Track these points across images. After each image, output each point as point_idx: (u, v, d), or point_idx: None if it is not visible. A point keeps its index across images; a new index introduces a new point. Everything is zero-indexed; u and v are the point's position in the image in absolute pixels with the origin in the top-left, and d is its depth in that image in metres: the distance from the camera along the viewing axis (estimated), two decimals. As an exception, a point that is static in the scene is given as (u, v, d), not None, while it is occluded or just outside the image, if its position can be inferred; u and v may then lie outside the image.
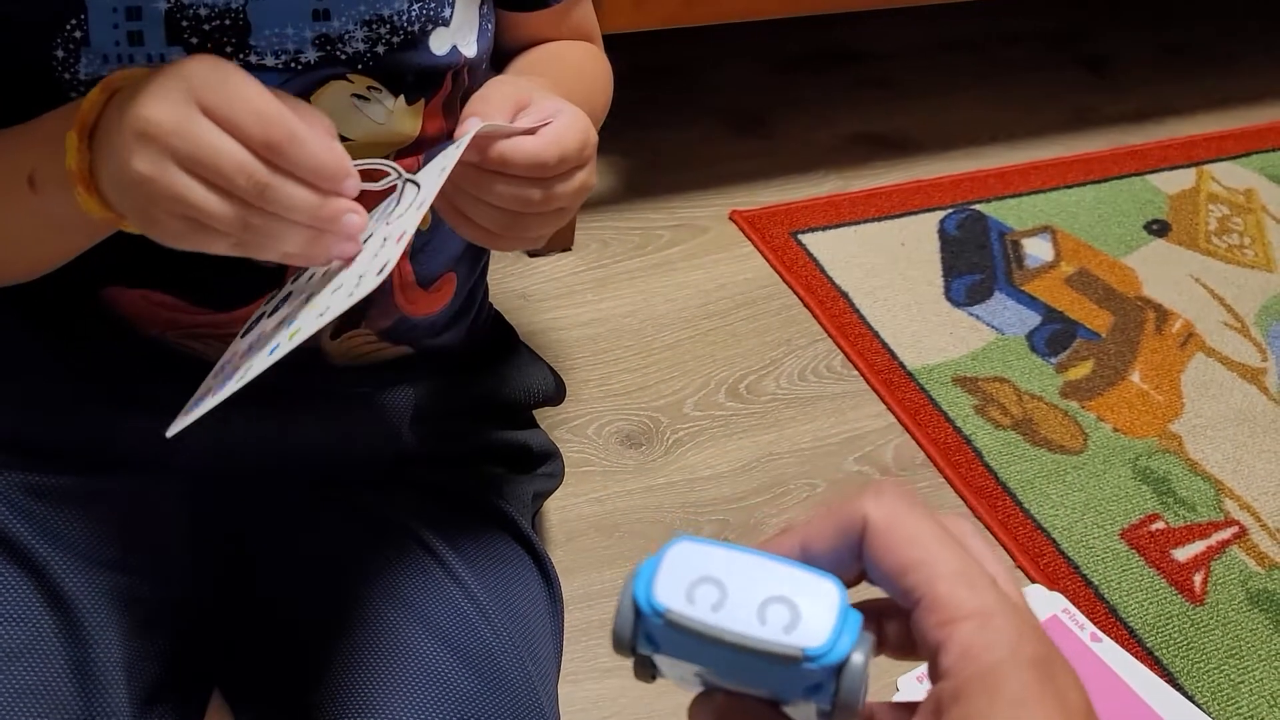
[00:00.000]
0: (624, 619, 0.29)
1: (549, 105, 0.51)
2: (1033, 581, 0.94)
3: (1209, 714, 0.86)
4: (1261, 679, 0.89)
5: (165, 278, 0.57)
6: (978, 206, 1.34)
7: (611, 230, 1.23)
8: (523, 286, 1.15)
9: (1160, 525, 1.01)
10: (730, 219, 1.27)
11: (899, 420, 1.07)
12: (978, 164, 1.40)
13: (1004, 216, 1.34)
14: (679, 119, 1.41)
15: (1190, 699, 0.87)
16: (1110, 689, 0.87)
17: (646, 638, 0.29)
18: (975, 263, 1.27)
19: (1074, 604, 0.92)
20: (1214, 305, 1.26)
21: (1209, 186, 1.44)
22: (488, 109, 0.49)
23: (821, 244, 1.25)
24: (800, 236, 1.26)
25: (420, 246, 0.63)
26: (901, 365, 1.12)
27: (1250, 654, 0.91)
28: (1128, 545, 0.98)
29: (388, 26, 0.54)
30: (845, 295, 1.19)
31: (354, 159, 0.46)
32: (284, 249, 0.45)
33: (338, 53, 0.54)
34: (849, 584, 0.30)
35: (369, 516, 0.64)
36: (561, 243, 1.20)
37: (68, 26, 0.50)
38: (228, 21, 0.51)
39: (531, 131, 0.49)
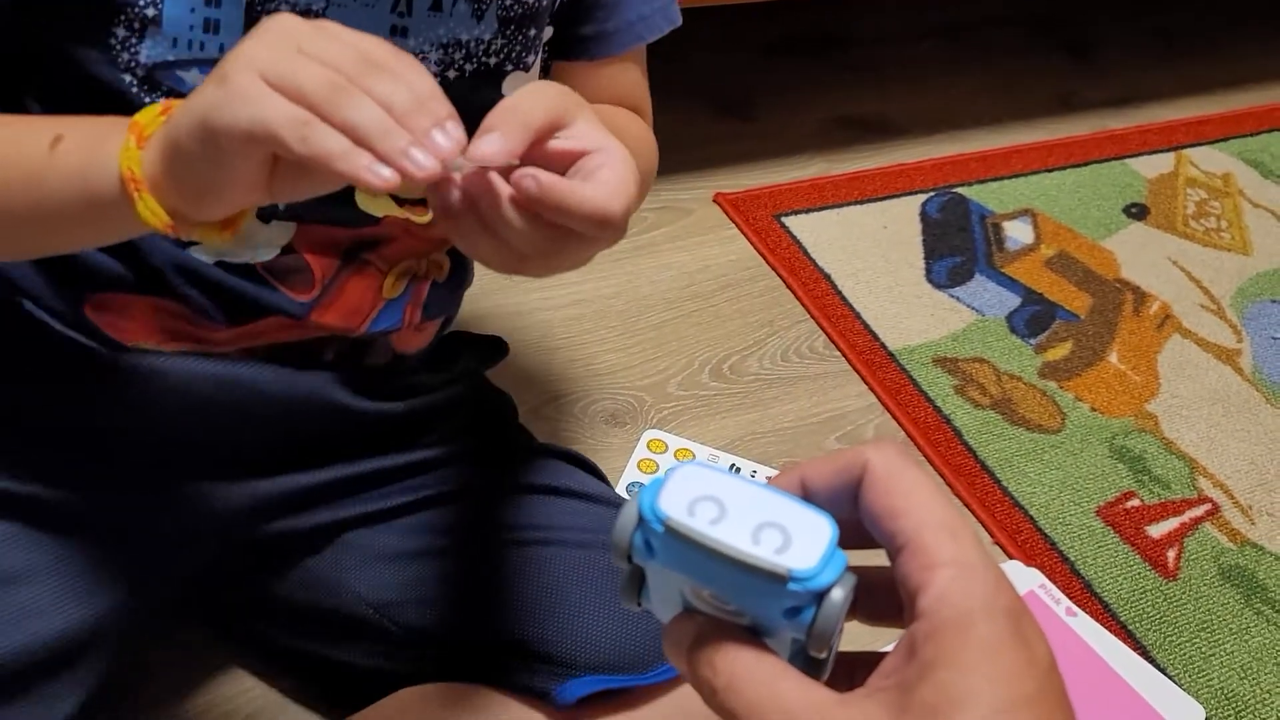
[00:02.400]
0: (626, 521, 0.31)
1: (592, 135, 0.43)
2: (1010, 558, 0.96)
3: (1181, 686, 0.88)
4: (1232, 652, 0.91)
5: (173, 285, 0.55)
6: (959, 190, 1.36)
7: (596, 212, 1.24)
8: (508, 268, 1.16)
9: (1135, 502, 1.03)
10: (714, 201, 1.28)
11: (880, 400, 1.08)
12: (960, 148, 1.42)
13: (985, 200, 1.35)
14: (663, 102, 1.41)
15: (1162, 671, 0.89)
16: (1084, 662, 0.89)
17: (645, 545, 0.30)
18: (956, 245, 1.28)
19: (1050, 579, 0.94)
20: (1191, 288, 1.28)
21: (1187, 171, 1.45)
22: (511, 122, 0.41)
23: (805, 226, 1.26)
24: (784, 219, 1.27)
25: (433, 296, 0.64)
26: (883, 346, 1.14)
27: (1221, 628, 0.93)
28: (1103, 522, 1.00)
29: (463, 52, 0.52)
30: (828, 277, 1.20)
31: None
32: (363, 127, 0.38)
33: None
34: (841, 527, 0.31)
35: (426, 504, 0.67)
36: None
37: (140, 2, 0.47)
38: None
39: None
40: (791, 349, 1.12)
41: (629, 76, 0.66)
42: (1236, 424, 1.11)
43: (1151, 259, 1.30)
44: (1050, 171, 1.41)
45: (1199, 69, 1.63)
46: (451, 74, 0.54)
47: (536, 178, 0.40)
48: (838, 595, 0.29)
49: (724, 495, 0.30)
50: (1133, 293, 1.26)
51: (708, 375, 1.08)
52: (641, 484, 0.32)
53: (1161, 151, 1.47)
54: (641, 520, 0.30)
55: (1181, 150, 1.48)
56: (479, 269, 1.12)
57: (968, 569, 0.29)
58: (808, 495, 0.32)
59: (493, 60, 0.54)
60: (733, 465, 0.99)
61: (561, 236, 0.42)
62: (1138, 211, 1.37)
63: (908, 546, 0.30)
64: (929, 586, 0.29)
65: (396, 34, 0.51)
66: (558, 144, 0.43)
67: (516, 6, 0.55)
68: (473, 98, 0.47)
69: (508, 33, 0.55)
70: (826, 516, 0.30)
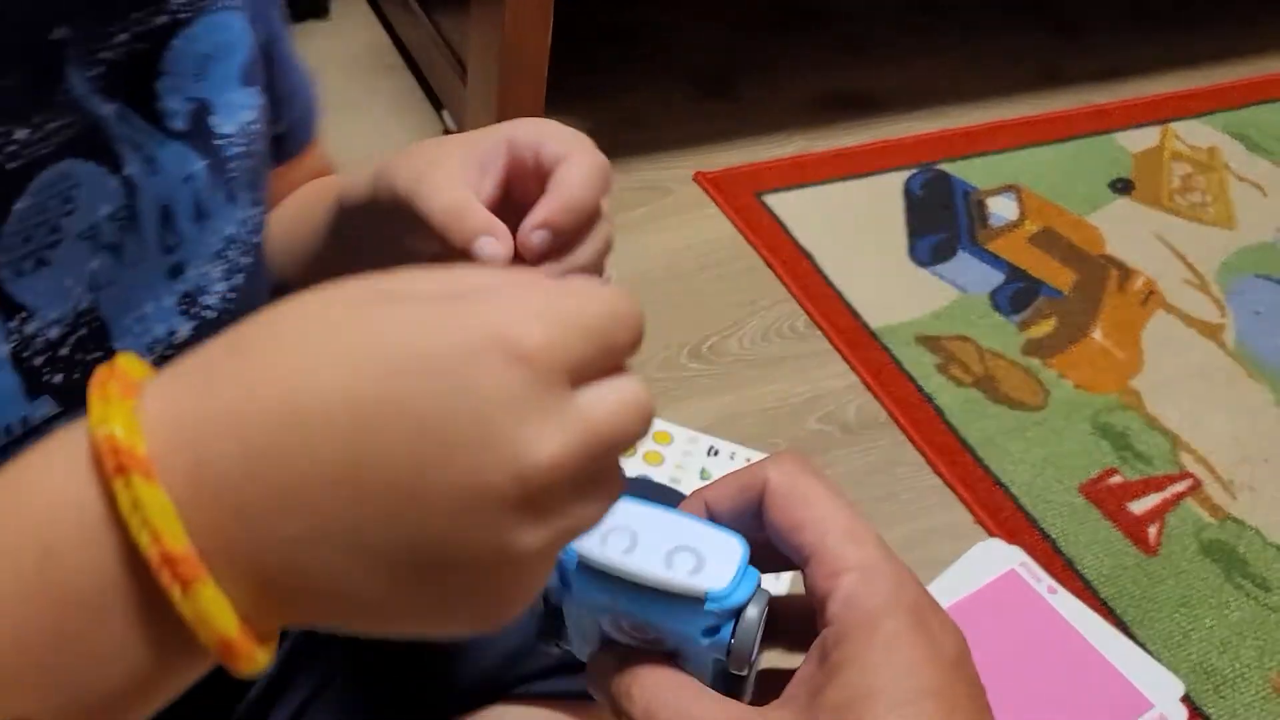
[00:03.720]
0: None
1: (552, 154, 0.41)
2: (991, 535, 0.95)
3: (1160, 661, 0.88)
4: (1211, 626, 0.91)
5: None
6: (943, 166, 1.35)
7: (575, 193, 1.23)
8: (485, 250, 1.15)
9: (1118, 479, 1.02)
10: (695, 181, 1.27)
11: (861, 379, 1.08)
12: (943, 124, 1.40)
13: (969, 176, 1.34)
14: (644, 81, 1.40)
15: (1142, 647, 0.89)
16: (1064, 639, 0.89)
17: (560, 582, 0.31)
18: (940, 222, 1.27)
19: (1032, 557, 0.94)
20: (1175, 263, 1.27)
21: (1173, 145, 1.44)
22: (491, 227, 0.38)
23: (786, 205, 1.25)
24: (765, 197, 1.26)
25: None
26: (865, 325, 1.13)
27: (1201, 603, 0.93)
28: (1086, 499, 1.00)
29: (239, 246, 0.44)
30: (809, 256, 1.19)
31: None
32: None
33: (203, 312, 0.42)
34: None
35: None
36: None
37: None
38: (84, 329, 0.38)
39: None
40: (772, 329, 1.12)
41: (318, 152, 0.58)
42: (1219, 399, 1.11)
43: (1137, 234, 1.30)
44: (1035, 147, 1.40)
45: (1183, 43, 1.62)
46: (240, 278, 0.44)
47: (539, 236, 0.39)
48: (753, 611, 0.30)
49: (634, 524, 0.30)
50: (1117, 268, 1.25)
51: (687, 356, 1.07)
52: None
53: (1147, 126, 1.46)
54: (559, 562, 0.31)
55: (1167, 124, 1.47)
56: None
57: (870, 571, 0.30)
58: (713, 518, 0.32)
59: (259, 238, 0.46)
60: (711, 448, 0.98)
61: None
62: (1123, 186, 1.36)
63: (813, 556, 0.31)
64: (835, 592, 0.30)
65: (176, 275, 0.41)
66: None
67: (248, 159, 0.45)
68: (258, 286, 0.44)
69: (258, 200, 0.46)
70: (737, 536, 0.31)
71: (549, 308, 0.24)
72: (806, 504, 0.31)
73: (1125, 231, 1.29)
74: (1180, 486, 1.02)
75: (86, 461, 0.23)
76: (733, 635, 0.30)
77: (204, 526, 0.22)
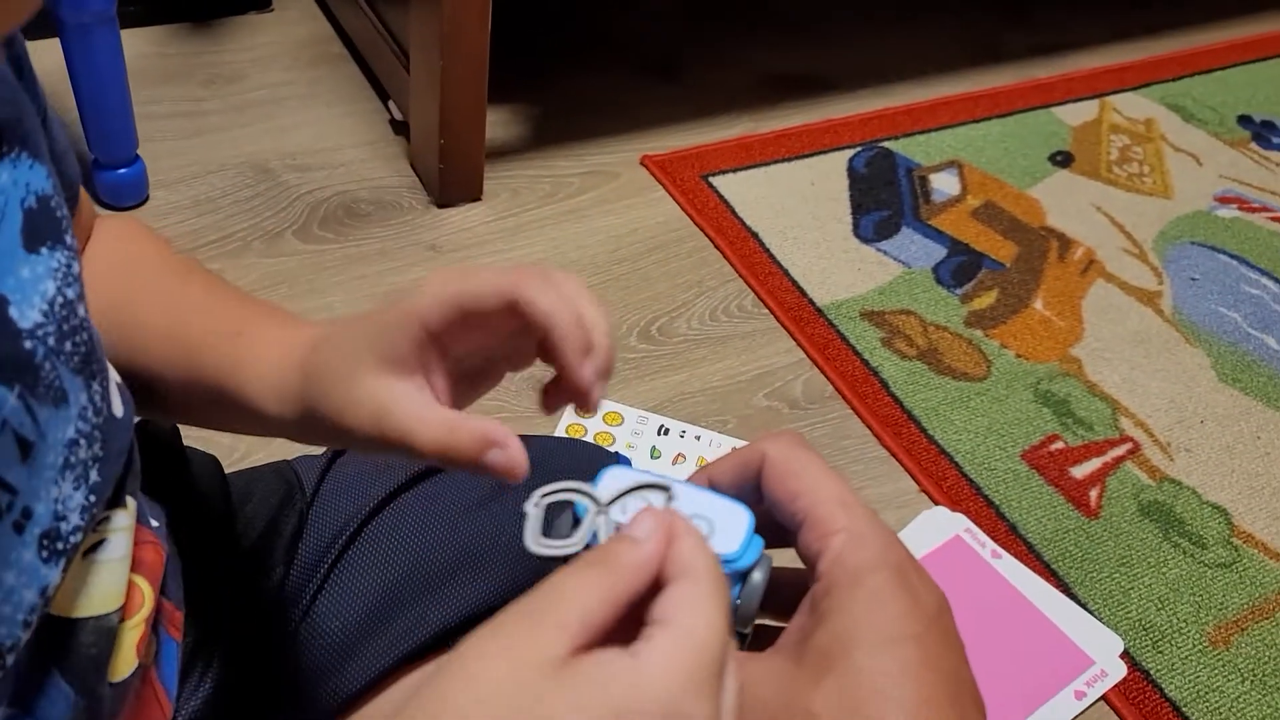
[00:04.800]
0: (562, 522, 0.33)
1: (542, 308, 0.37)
2: (936, 504, 0.97)
3: (1101, 619, 0.90)
4: (1150, 585, 0.94)
5: None
6: (886, 144, 1.36)
7: (522, 179, 1.23)
8: (432, 238, 1.15)
9: (1059, 445, 1.05)
10: (641, 164, 1.27)
11: (808, 355, 1.09)
12: (887, 101, 1.42)
13: (912, 153, 1.36)
14: (589, 65, 1.41)
15: (1083, 606, 0.91)
16: (1008, 602, 0.91)
17: (584, 546, 0.33)
18: (883, 199, 1.29)
19: (976, 524, 0.96)
20: (1114, 232, 1.29)
21: (1111, 117, 1.47)
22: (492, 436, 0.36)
23: (732, 186, 1.26)
24: (711, 179, 1.27)
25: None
26: (811, 302, 1.14)
27: (1140, 562, 0.95)
28: (1028, 466, 1.02)
29: (87, 440, 0.35)
30: (755, 235, 1.21)
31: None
32: None
33: (70, 538, 0.35)
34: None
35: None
36: (470, 193, 1.19)
37: None
38: None
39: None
40: (720, 308, 1.13)
41: (86, 206, 0.49)
42: (1157, 363, 1.14)
43: (1076, 205, 1.32)
44: (976, 122, 1.42)
45: (1120, 16, 1.65)
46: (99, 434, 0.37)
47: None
48: (758, 575, 0.33)
49: (573, 525, 0.32)
50: (1058, 239, 1.27)
51: (636, 338, 1.08)
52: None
53: (1086, 99, 1.49)
54: (576, 520, 0.33)
55: (1105, 97, 1.50)
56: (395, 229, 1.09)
57: (858, 534, 0.33)
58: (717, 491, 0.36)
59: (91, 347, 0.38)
60: (661, 426, 0.99)
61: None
62: (1063, 159, 1.39)
63: (806, 521, 0.34)
64: (826, 552, 0.33)
65: (22, 530, 0.33)
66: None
67: (70, 336, 0.36)
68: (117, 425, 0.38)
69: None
70: (743, 506, 0.34)
71: (698, 670, 0.27)
72: (801, 476, 0.34)
73: (1065, 203, 1.32)
74: (1120, 450, 1.05)
75: None
76: (739, 595, 0.33)
77: None
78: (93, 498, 0.35)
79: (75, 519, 0.34)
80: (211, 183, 1.17)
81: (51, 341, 0.33)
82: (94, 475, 0.35)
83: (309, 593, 0.56)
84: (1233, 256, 1.28)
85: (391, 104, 1.27)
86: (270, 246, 1.12)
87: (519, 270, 0.36)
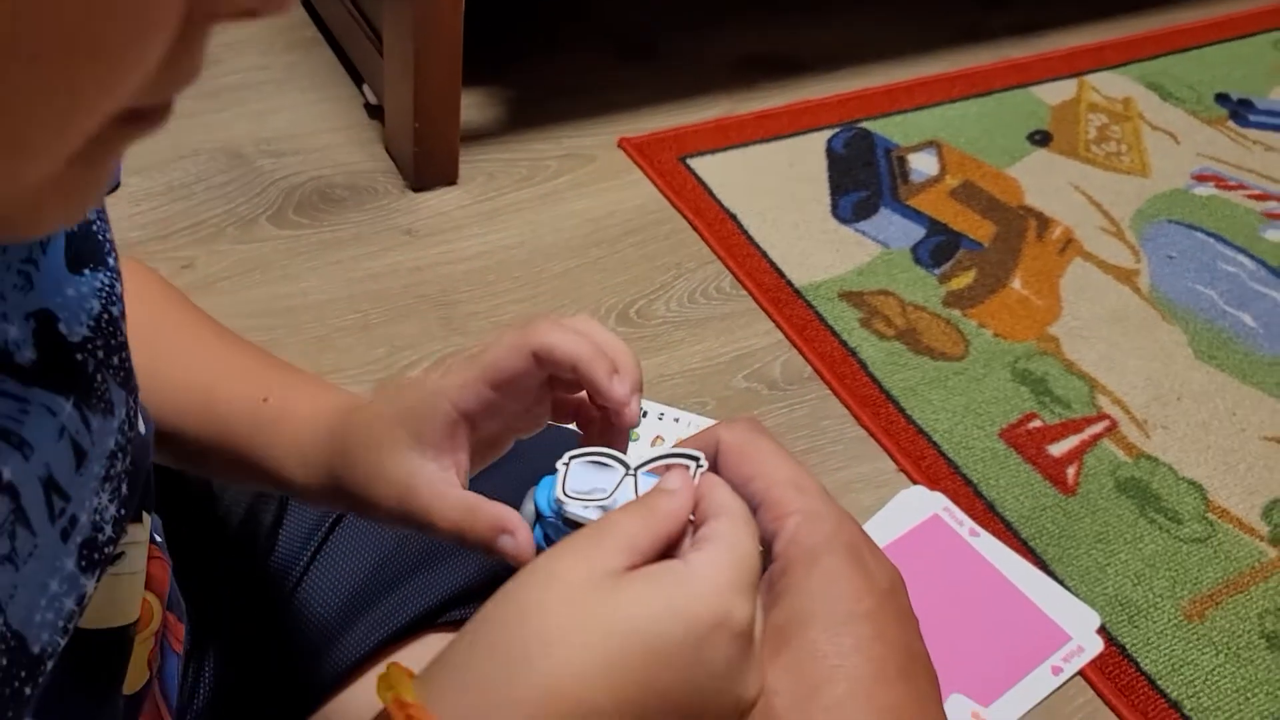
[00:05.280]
0: (525, 518, 0.36)
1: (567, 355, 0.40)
2: (914, 483, 0.97)
3: (1078, 595, 0.91)
4: (1127, 560, 0.94)
5: None
6: (864, 124, 1.36)
7: (498, 162, 1.22)
8: (408, 222, 1.14)
9: (1037, 423, 1.05)
10: (618, 146, 1.27)
11: (787, 337, 1.09)
12: (865, 82, 1.42)
13: (890, 133, 1.35)
14: (564, 46, 1.40)
15: (1061, 583, 0.91)
16: (986, 579, 0.92)
17: (545, 540, 0.36)
18: (862, 180, 1.29)
19: (954, 503, 0.96)
20: (1092, 211, 1.30)
21: (1089, 96, 1.47)
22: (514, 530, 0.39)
23: (710, 168, 1.26)
24: (689, 161, 1.26)
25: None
26: (789, 283, 1.14)
27: (1117, 538, 0.96)
28: (1006, 444, 1.02)
29: (120, 454, 0.36)
30: (733, 217, 1.20)
31: None
32: None
33: (104, 550, 0.35)
34: None
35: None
36: (446, 177, 1.18)
37: None
38: (4, 659, 0.30)
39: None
40: (699, 290, 1.12)
41: None
42: (1134, 341, 1.14)
43: (1054, 185, 1.32)
44: (955, 102, 1.42)
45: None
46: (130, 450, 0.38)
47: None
48: None
49: (607, 485, 0.35)
50: (1036, 219, 1.27)
51: (614, 321, 1.08)
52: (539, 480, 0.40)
53: (1064, 78, 1.49)
54: (540, 517, 0.35)
55: (1083, 76, 1.50)
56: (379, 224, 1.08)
57: (813, 515, 0.34)
58: None
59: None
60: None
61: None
62: (1041, 138, 1.39)
63: (762, 504, 0.34)
64: (781, 532, 0.33)
65: (67, 538, 0.33)
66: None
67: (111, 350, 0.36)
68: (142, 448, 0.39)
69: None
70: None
71: (740, 577, 0.31)
72: (755, 459, 0.35)
73: (1043, 182, 1.32)
74: (1097, 428, 1.05)
75: None
76: None
77: None
78: (123, 510, 0.36)
79: (109, 530, 0.35)
80: (185, 168, 1.16)
81: (100, 355, 0.34)
82: (124, 489, 0.36)
83: (293, 578, 0.56)
84: (1209, 234, 1.28)
85: (366, 88, 1.26)
86: (244, 232, 1.11)
87: (531, 323, 0.39)
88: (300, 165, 1.19)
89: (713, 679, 0.30)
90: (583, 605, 0.30)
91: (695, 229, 1.19)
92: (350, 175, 1.19)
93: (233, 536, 0.57)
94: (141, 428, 0.39)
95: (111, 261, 0.36)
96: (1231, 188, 1.35)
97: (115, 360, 0.35)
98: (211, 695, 0.52)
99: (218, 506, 0.57)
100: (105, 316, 0.35)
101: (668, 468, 0.35)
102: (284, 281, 1.06)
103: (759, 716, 0.31)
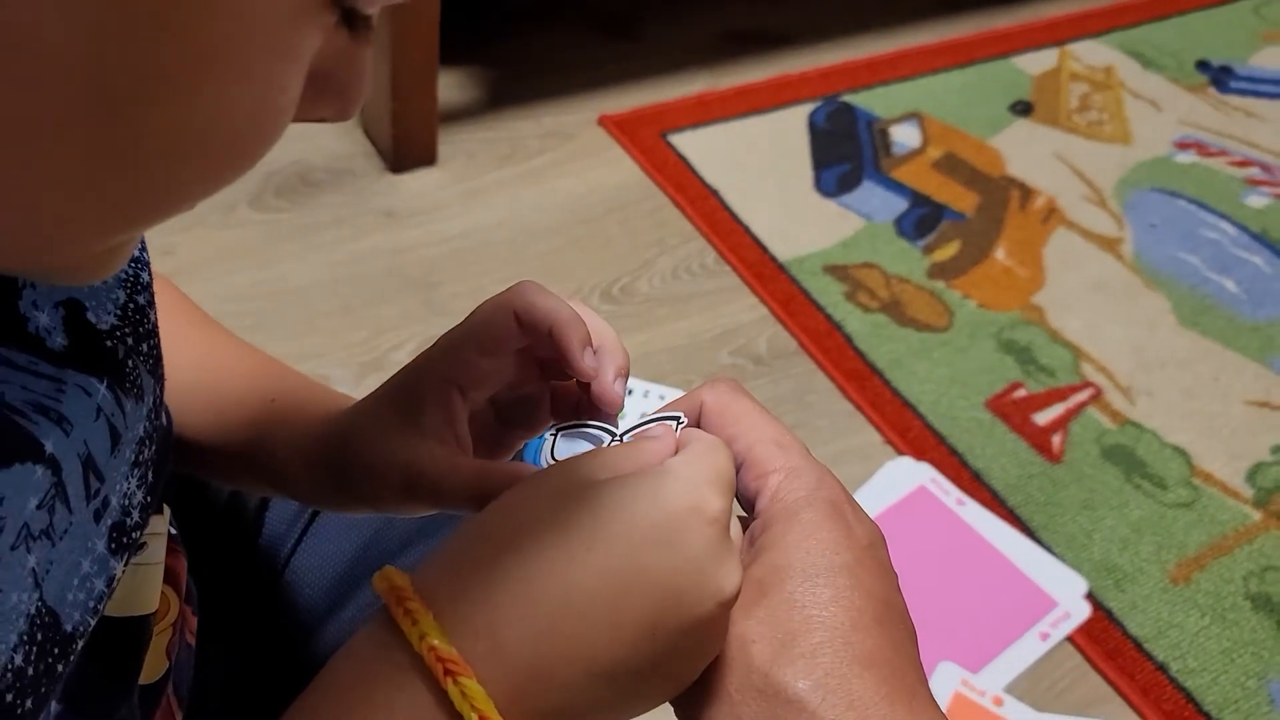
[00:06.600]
0: None
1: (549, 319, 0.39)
2: (901, 455, 0.98)
3: (1065, 562, 0.91)
4: (1113, 526, 0.95)
5: None
6: (846, 97, 1.35)
7: (478, 142, 1.22)
8: (388, 204, 1.13)
9: (1022, 393, 1.05)
10: (599, 124, 1.26)
11: (772, 312, 1.09)
12: (846, 54, 1.41)
13: (872, 106, 1.35)
14: (543, 23, 1.39)
15: (1048, 549, 0.92)
16: (974, 548, 0.92)
17: None
18: (844, 153, 1.28)
19: (941, 473, 0.96)
20: (1074, 180, 1.30)
21: (1071, 65, 1.47)
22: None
23: (692, 143, 1.25)
24: (670, 137, 1.26)
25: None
26: (773, 258, 1.14)
27: (1102, 504, 0.96)
28: (992, 414, 1.03)
29: (149, 441, 0.37)
30: (716, 193, 1.20)
31: None
32: None
33: (132, 534, 0.36)
34: None
35: None
36: (425, 158, 1.18)
37: None
38: (40, 634, 0.30)
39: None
40: (682, 267, 1.12)
41: None
42: (1118, 309, 1.14)
43: (1037, 154, 1.32)
44: (936, 74, 1.41)
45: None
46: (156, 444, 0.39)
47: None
48: None
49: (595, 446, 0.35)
50: (1019, 189, 1.27)
51: (598, 299, 1.07)
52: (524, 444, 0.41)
53: (1046, 48, 1.48)
54: None
55: (1065, 45, 1.49)
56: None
57: (794, 472, 0.34)
58: None
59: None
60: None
61: None
62: (1023, 108, 1.39)
63: (744, 463, 0.35)
64: (763, 490, 0.34)
65: (99, 519, 0.33)
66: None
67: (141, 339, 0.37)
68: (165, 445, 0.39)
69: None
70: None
71: (714, 475, 0.32)
72: (738, 420, 0.35)
73: (1025, 152, 1.32)
74: (1082, 396, 1.06)
75: (411, 669, 0.30)
76: None
77: (507, 692, 0.30)
78: (149, 498, 0.36)
79: (136, 515, 0.35)
80: (161, 154, 1.15)
81: (130, 342, 0.35)
82: (150, 476, 0.37)
83: (281, 559, 0.56)
84: (1192, 201, 1.29)
85: (343, 69, 1.25)
86: (224, 218, 1.10)
87: (516, 285, 0.39)
88: (278, 149, 1.16)
89: (690, 562, 0.31)
90: (565, 497, 0.32)
91: (678, 205, 1.18)
92: (329, 158, 1.18)
93: (219, 519, 0.57)
94: (164, 419, 0.39)
95: (136, 251, 0.36)
96: (1213, 154, 1.35)
97: (144, 347, 0.36)
98: (216, 683, 0.52)
99: (206, 490, 0.57)
100: (131, 305, 0.35)
101: None
102: (265, 266, 1.06)
103: (737, 664, 0.31)
